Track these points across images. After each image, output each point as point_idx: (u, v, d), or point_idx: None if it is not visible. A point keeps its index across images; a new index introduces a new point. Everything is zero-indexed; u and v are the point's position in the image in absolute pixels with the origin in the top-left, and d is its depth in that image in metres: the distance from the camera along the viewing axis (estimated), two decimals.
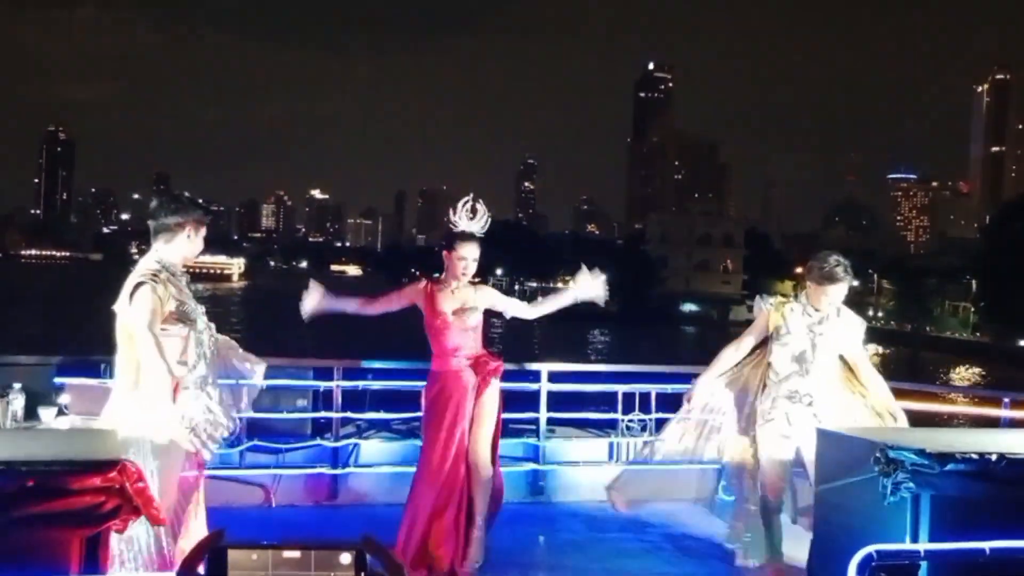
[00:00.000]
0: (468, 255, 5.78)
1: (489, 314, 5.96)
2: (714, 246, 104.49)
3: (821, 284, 5.73)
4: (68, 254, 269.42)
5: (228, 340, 4.99)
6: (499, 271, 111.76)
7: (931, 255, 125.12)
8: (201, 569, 2.13)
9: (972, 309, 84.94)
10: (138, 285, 4.42)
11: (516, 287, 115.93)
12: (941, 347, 79.93)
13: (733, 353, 6.06)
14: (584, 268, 6.05)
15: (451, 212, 5.93)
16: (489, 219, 5.93)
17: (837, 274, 5.72)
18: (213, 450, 4.73)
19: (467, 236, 5.84)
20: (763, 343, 6.03)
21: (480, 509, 5.71)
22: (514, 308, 6.07)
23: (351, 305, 5.96)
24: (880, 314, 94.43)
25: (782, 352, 5.80)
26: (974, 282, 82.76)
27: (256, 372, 5.10)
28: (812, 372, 5.73)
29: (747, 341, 6.05)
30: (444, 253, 5.89)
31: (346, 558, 2.09)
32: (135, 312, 4.39)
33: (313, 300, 5.81)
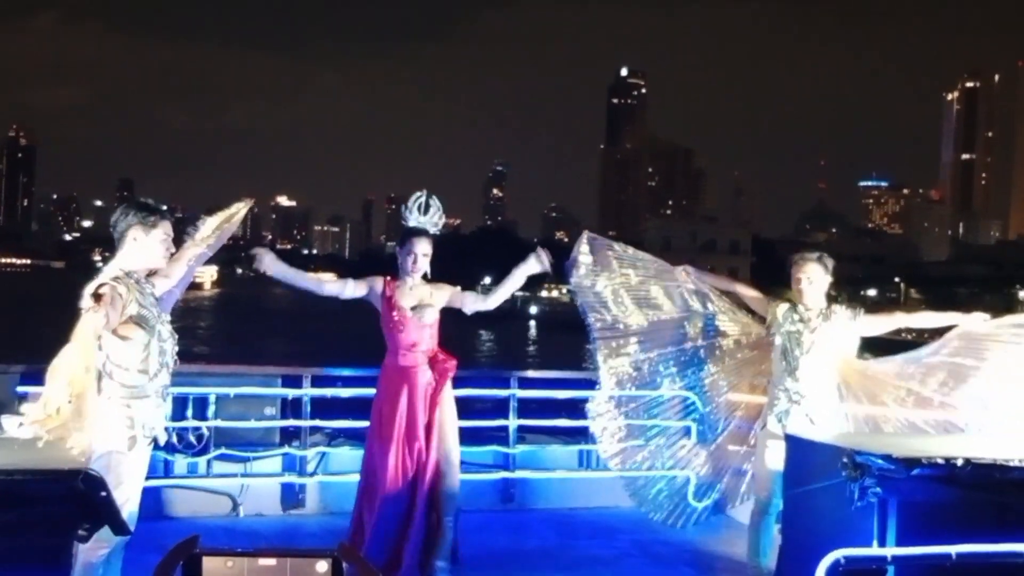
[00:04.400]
0: (417, 250, 5.77)
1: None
2: (719, 253, 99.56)
3: (792, 267, 5.85)
4: (29, 262, 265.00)
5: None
6: (487, 280, 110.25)
7: (952, 263, 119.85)
8: None
9: None
10: (99, 287, 4.36)
11: (511, 296, 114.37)
12: None
13: (738, 285, 6.37)
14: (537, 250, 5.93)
15: (403, 208, 5.91)
16: (443, 216, 5.93)
17: (804, 254, 5.89)
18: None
19: (417, 231, 5.82)
20: (757, 348, 6.16)
21: (449, 511, 5.73)
22: (471, 303, 5.97)
23: (304, 278, 5.89)
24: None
25: (774, 351, 5.90)
26: (1021, 292, 79.59)
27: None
28: (801, 372, 5.76)
29: (749, 292, 6.26)
30: (397, 248, 5.92)
31: (322, 566, 2.07)
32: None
33: (268, 258, 5.64)
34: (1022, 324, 5.90)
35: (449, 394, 5.84)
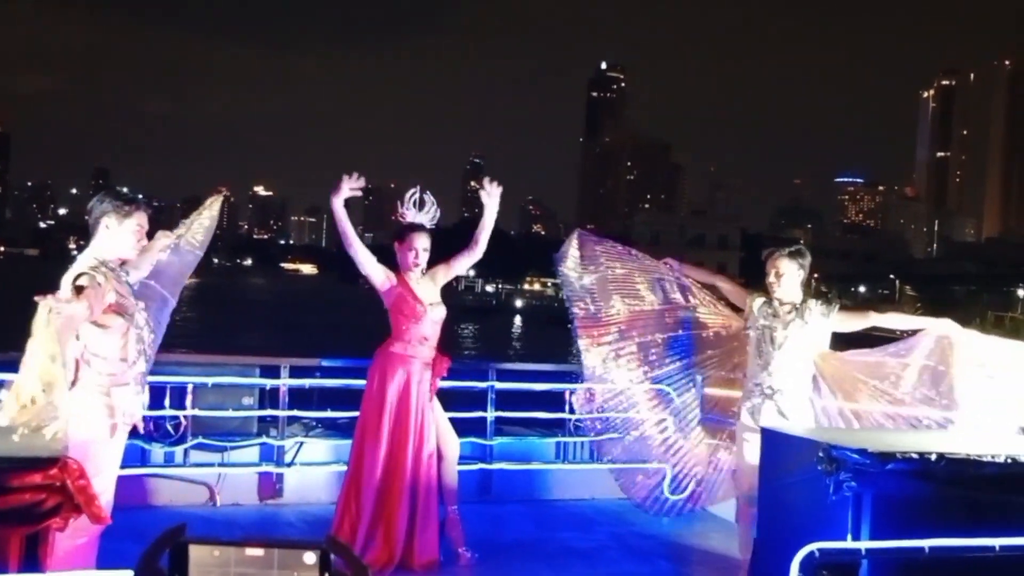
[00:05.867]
0: (419, 246, 5.85)
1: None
2: (708, 247, 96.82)
3: (766, 261, 5.89)
4: (3, 249, 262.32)
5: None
6: (471, 272, 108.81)
7: (945, 260, 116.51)
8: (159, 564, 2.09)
9: None
10: (79, 276, 4.35)
11: (492, 289, 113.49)
12: None
13: (718, 278, 6.45)
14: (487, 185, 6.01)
15: (398, 204, 5.96)
16: (438, 211, 5.99)
17: (778, 249, 5.94)
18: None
19: (416, 227, 5.90)
20: (736, 341, 6.21)
21: (453, 501, 6.00)
22: (462, 263, 6.07)
23: (352, 232, 5.82)
24: None
25: (749, 344, 5.94)
26: (1020, 291, 77.08)
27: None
28: (774, 367, 5.78)
29: (729, 286, 6.33)
30: (395, 245, 5.94)
31: (310, 557, 2.07)
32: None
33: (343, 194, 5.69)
34: (994, 340, 6.00)
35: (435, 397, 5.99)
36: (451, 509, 6.01)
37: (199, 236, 5.27)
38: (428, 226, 5.94)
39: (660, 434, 7.02)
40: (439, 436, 5.94)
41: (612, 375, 6.83)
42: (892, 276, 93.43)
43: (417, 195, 5.94)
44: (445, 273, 6.00)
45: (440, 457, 5.94)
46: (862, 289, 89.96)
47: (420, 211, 5.96)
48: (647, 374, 6.81)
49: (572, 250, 6.73)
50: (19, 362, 4.01)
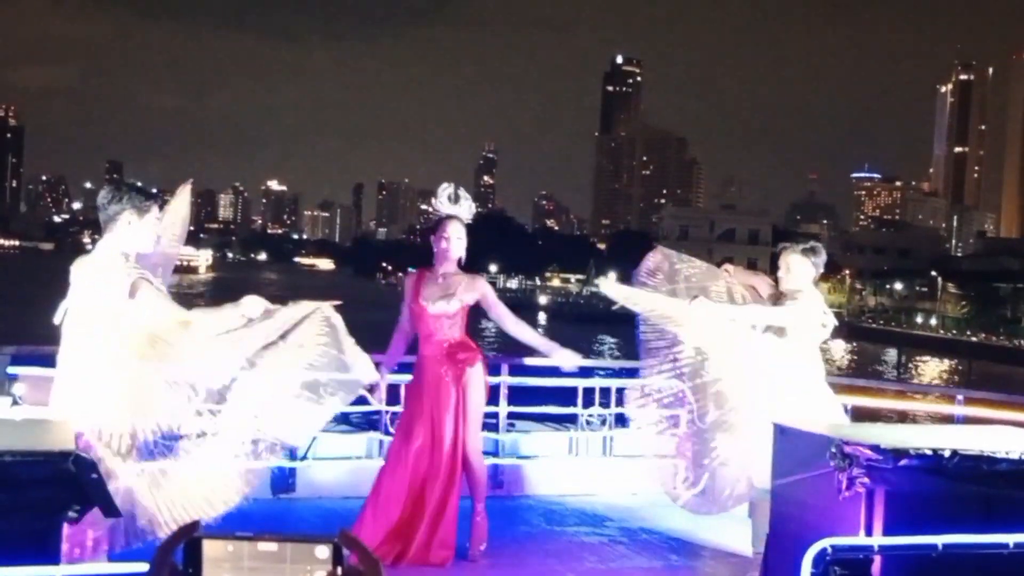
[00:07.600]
0: (451, 232, 5.85)
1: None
2: (738, 243, 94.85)
3: (778, 255, 5.93)
4: (17, 243, 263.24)
5: None
6: (493, 268, 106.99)
7: (984, 256, 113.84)
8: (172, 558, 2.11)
9: None
10: (139, 280, 4.40)
11: (515, 284, 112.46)
12: None
13: (758, 279, 6.41)
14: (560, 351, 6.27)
15: (432, 200, 6.04)
16: (472, 207, 6.06)
17: (790, 244, 5.98)
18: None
19: (448, 216, 5.92)
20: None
21: (480, 498, 5.95)
22: (499, 313, 6.06)
23: (398, 354, 6.06)
24: (934, 321, 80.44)
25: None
26: None
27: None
28: (764, 357, 5.80)
29: (767, 286, 6.29)
30: (431, 238, 5.97)
31: (323, 552, 2.08)
32: (150, 310, 4.38)
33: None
34: None
35: (476, 385, 5.86)
36: (478, 507, 5.98)
37: (177, 229, 5.26)
38: (464, 220, 5.95)
39: (672, 430, 7.02)
40: (466, 432, 5.85)
41: (665, 374, 6.87)
42: (934, 273, 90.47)
43: (451, 190, 5.98)
44: (484, 294, 5.94)
45: (465, 454, 5.86)
46: (898, 286, 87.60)
47: (454, 204, 5.98)
48: (683, 374, 6.84)
49: (650, 264, 6.75)
50: (37, 355, 4.04)
